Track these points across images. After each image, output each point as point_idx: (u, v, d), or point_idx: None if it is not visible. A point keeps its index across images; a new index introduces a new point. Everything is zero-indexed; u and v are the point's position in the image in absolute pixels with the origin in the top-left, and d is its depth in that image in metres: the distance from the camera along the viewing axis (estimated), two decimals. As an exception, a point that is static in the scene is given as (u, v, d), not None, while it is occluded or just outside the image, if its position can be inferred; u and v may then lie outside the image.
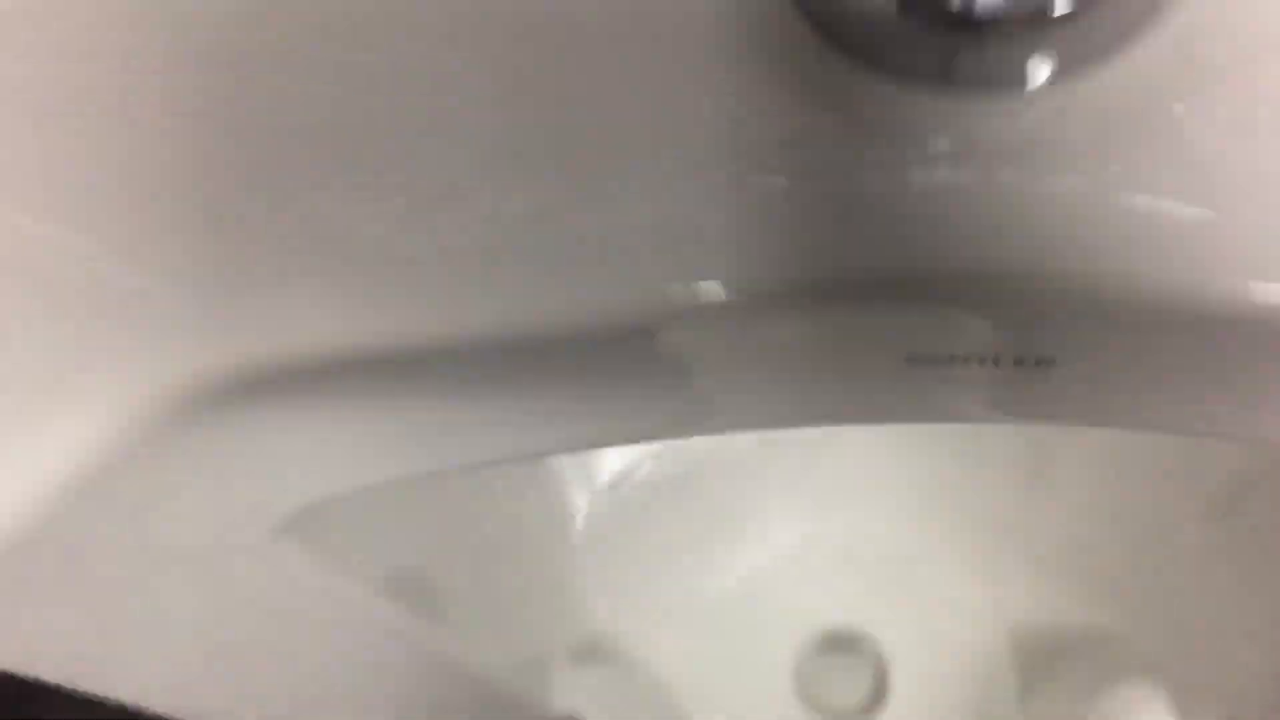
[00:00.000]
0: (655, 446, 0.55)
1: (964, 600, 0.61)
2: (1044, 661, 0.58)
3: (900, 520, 0.63)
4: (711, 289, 0.23)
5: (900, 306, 0.23)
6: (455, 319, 0.23)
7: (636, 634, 0.56)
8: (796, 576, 0.64)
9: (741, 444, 0.58)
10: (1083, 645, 0.55)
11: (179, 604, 0.31)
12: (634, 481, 0.56)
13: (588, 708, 0.51)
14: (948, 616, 0.62)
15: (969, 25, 0.19)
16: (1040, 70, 0.21)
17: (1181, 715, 0.49)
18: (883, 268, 0.22)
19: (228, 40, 0.22)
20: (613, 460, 0.55)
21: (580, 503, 0.53)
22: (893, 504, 0.62)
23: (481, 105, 0.22)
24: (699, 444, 0.56)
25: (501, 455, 0.30)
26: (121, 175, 0.23)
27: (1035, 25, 0.19)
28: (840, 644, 0.64)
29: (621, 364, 0.26)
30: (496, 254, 0.23)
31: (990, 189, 0.21)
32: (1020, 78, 0.21)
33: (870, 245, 0.22)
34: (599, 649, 0.55)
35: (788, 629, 0.64)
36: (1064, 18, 0.19)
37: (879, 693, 0.63)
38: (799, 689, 0.63)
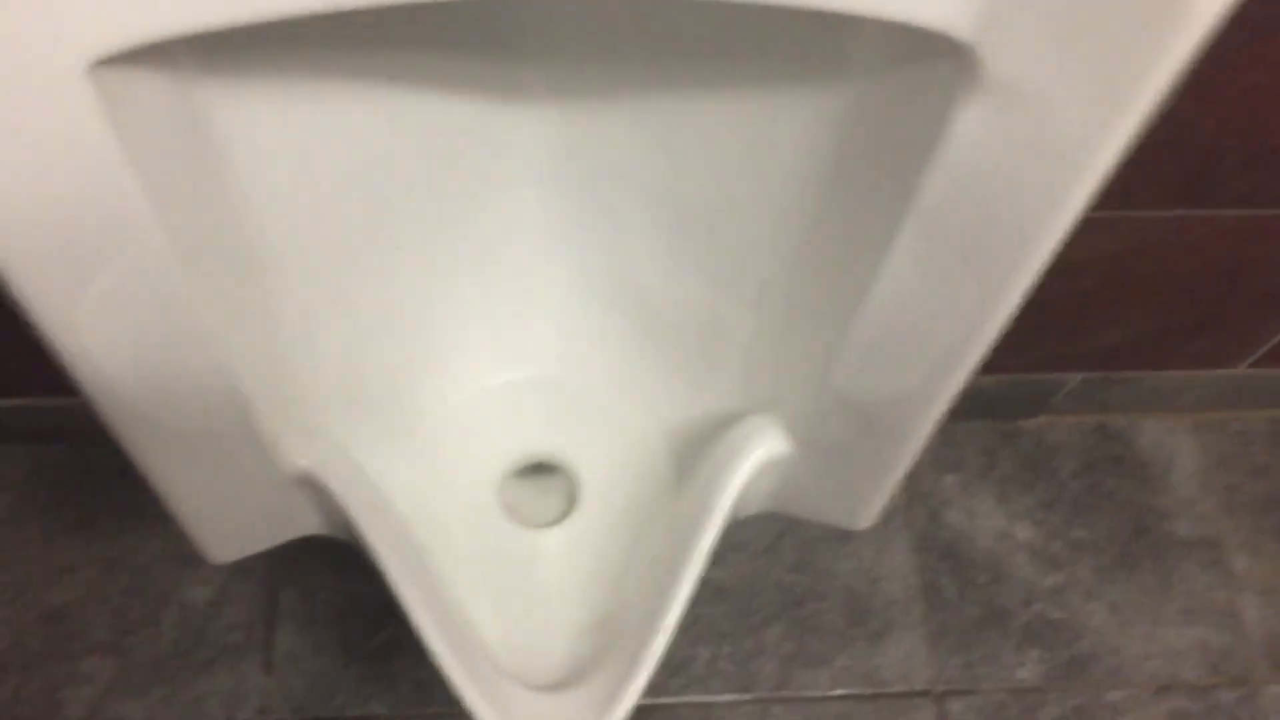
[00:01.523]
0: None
1: (628, 415, 0.73)
2: (690, 450, 0.68)
3: (579, 352, 0.74)
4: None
5: None
6: None
7: (362, 444, 0.63)
8: (496, 409, 0.74)
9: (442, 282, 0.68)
10: (720, 429, 0.65)
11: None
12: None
13: (321, 470, 0.58)
14: (617, 431, 0.73)
15: None
16: None
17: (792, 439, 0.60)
18: None
19: None
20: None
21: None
22: (569, 337, 0.73)
23: None
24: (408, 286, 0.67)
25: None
26: None
27: None
28: (535, 466, 0.75)
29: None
30: None
31: None
32: None
33: None
34: (331, 442, 0.62)
35: (490, 456, 0.74)
36: None
37: (570, 502, 0.73)
38: (504, 507, 0.73)
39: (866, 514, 0.62)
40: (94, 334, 0.45)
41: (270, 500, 0.59)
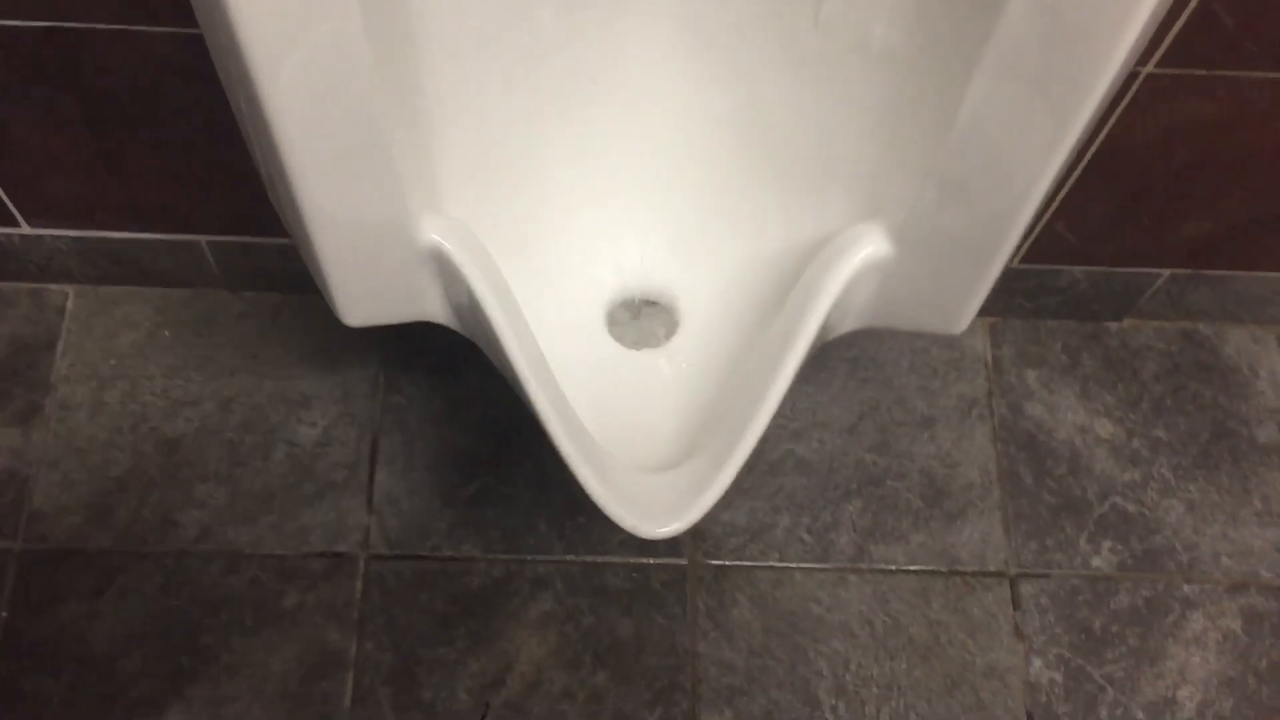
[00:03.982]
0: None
1: (733, 244, 0.76)
2: (794, 273, 0.69)
3: (690, 178, 0.76)
4: None
5: None
6: None
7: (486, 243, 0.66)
8: (606, 236, 0.78)
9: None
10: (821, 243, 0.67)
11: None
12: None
13: (451, 246, 0.61)
14: (720, 260, 0.76)
15: None
16: None
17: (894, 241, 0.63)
18: None
19: None
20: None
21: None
22: (682, 163, 0.76)
23: None
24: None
25: None
26: None
27: None
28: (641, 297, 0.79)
29: None
30: None
31: None
32: None
33: None
34: (462, 226, 0.65)
35: (598, 282, 0.78)
36: None
37: (673, 327, 0.77)
38: (609, 328, 0.77)
39: (964, 315, 0.65)
40: (291, 93, 0.50)
41: (403, 272, 0.64)
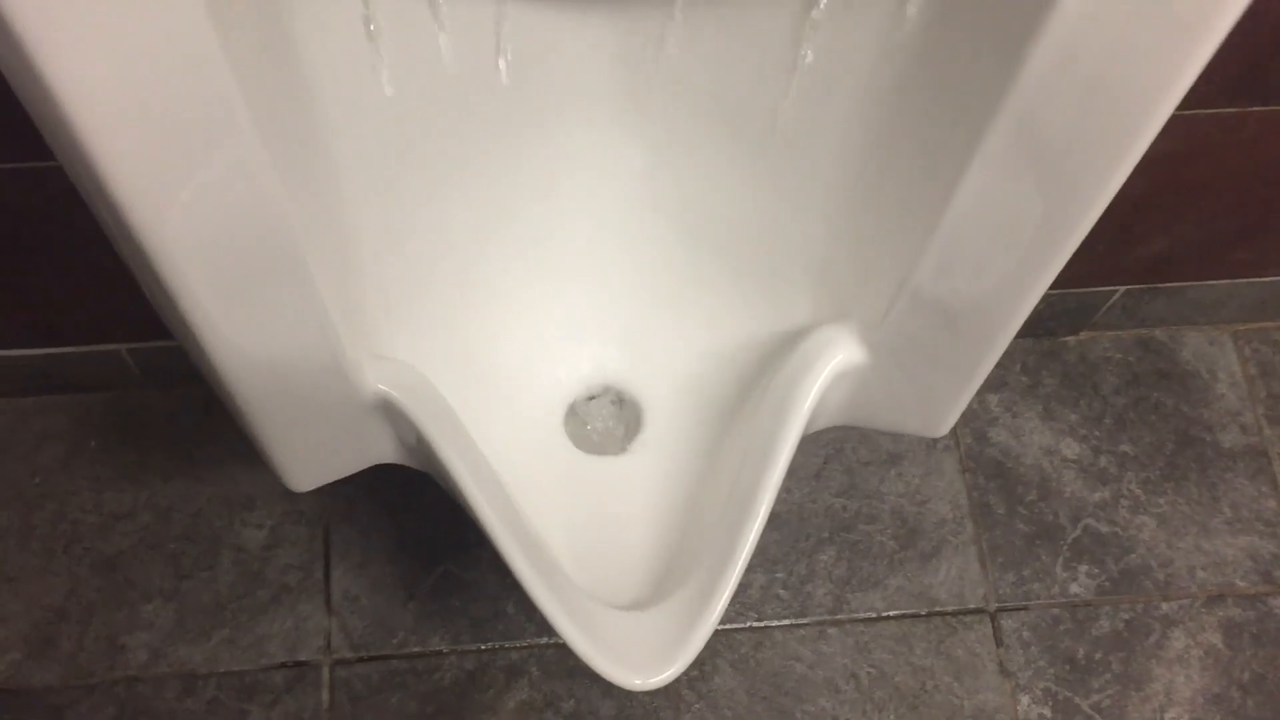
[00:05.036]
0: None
1: (692, 338, 0.72)
2: (758, 368, 0.67)
3: (642, 276, 0.72)
4: None
5: None
6: None
7: (430, 372, 0.61)
8: (559, 337, 0.73)
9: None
10: (790, 343, 0.64)
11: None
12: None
13: (398, 394, 0.57)
14: (680, 355, 0.72)
15: None
16: None
17: (867, 348, 0.60)
18: None
19: None
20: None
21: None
22: (632, 261, 0.72)
23: None
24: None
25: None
26: None
27: None
28: (599, 394, 0.74)
29: None
30: None
31: None
32: None
33: None
34: (406, 367, 0.60)
35: (554, 385, 0.73)
36: None
37: (635, 428, 0.73)
38: (569, 435, 0.73)
39: (947, 419, 0.62)
40: (186, 242, 0.44)
41: (349, 427, 0.59)
